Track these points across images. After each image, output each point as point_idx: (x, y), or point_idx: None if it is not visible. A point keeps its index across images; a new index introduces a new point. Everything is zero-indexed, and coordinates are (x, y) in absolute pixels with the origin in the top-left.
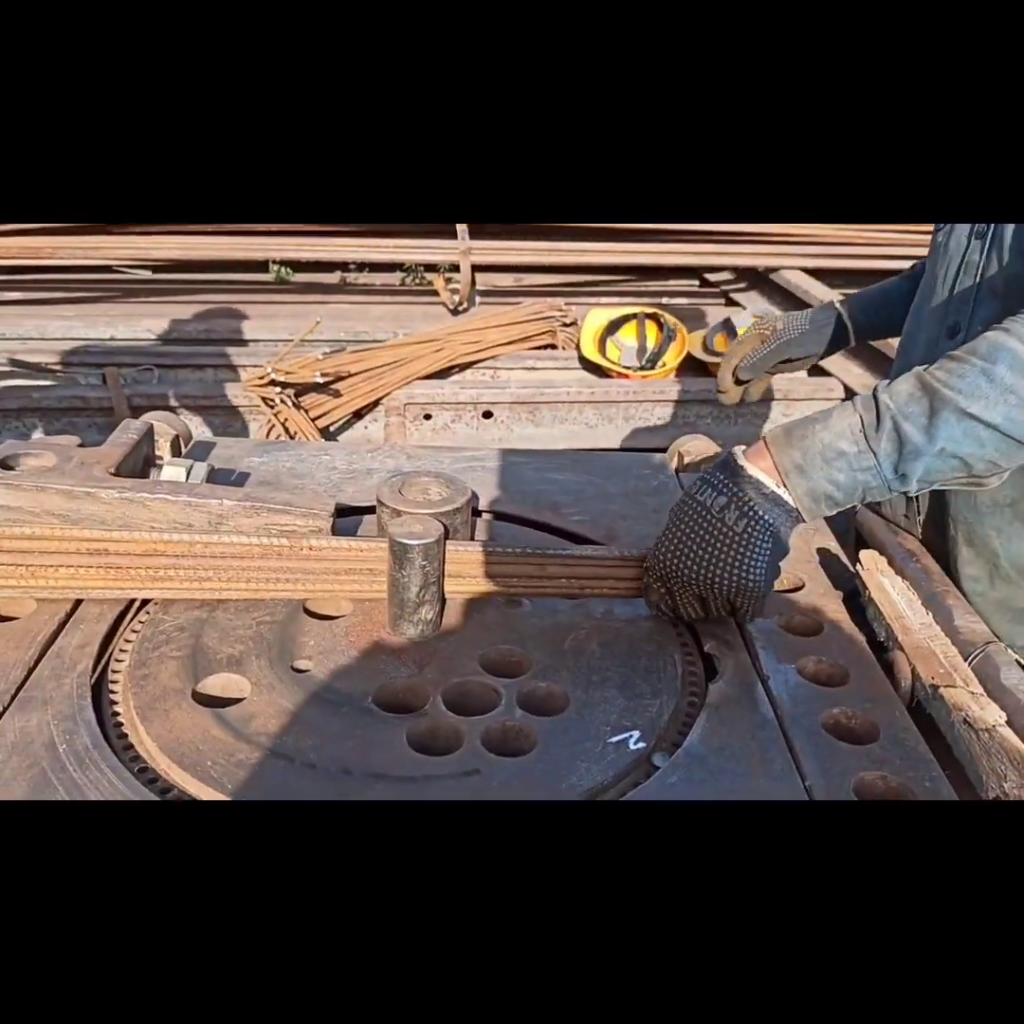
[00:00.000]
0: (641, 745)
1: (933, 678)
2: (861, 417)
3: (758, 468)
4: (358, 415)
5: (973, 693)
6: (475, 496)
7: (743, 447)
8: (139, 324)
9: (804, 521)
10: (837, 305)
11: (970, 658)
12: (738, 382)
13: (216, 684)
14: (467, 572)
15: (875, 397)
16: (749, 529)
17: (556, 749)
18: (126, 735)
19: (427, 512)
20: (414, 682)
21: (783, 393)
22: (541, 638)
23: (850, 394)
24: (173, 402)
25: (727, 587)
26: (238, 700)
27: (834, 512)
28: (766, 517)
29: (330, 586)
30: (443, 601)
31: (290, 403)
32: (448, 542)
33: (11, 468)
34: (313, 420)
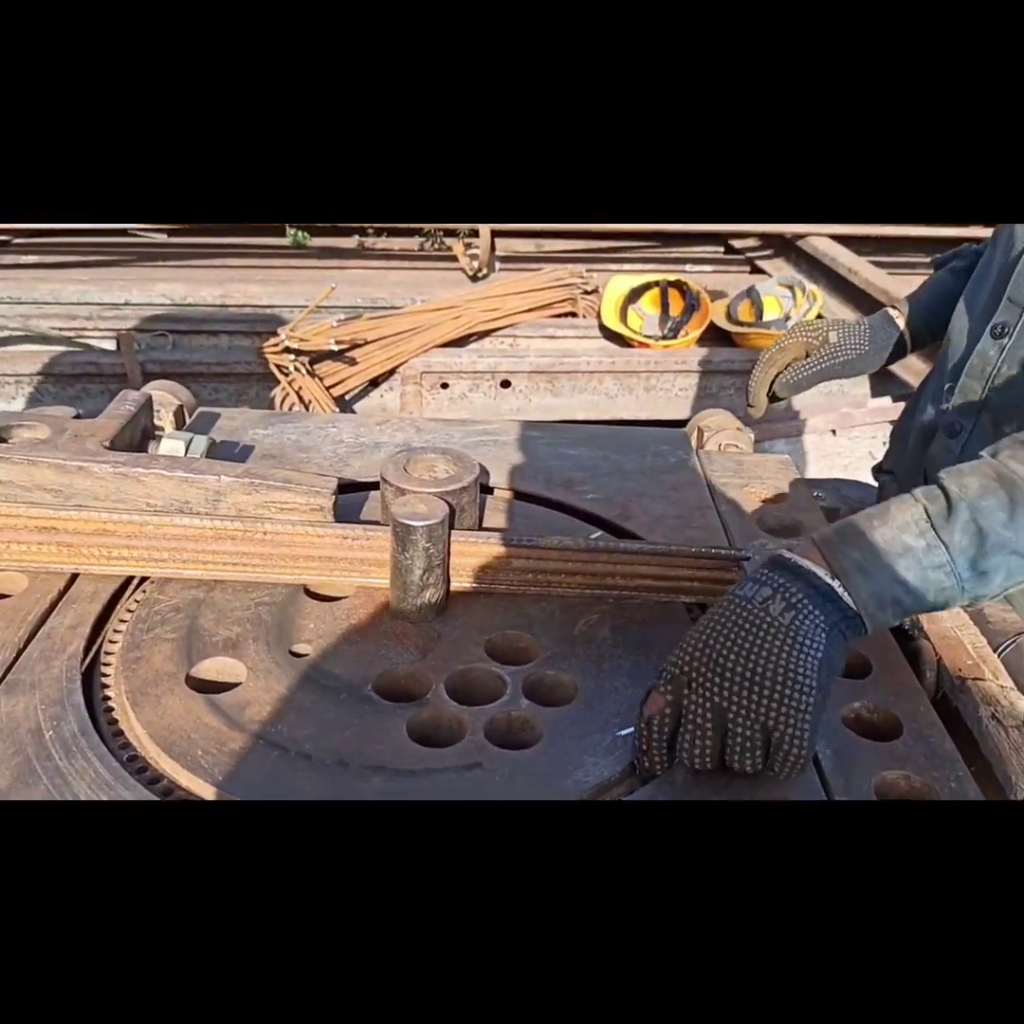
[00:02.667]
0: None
1: (960, 670)
2: (926, 508)
3: (811, 561)
4: (374, 384)
5: (1002, 686)
6: (484, 473)
7: (787, 548)
8: (154, 289)
9: (865, 631)
10: (895, 318)
11: (1000, 649)
12: (773, 398)
13: (211, 668)
14: (473, 565)
15: (941, 487)
16: (796, 621)
17: (562, 742)
18: (116, 721)
19: (432, 491)
20: (416, 669)
21: None
22: (550, 622)
23: None
24: (187, 369)
25: (765, 693)
26: (234, 685)
27: (896, 621)
28: (817, 612)
29: (331, 572)
30: (448, 583)
31: (305, 371)
32: (454, 532)
33: (3, 440)
34: (328, 389)
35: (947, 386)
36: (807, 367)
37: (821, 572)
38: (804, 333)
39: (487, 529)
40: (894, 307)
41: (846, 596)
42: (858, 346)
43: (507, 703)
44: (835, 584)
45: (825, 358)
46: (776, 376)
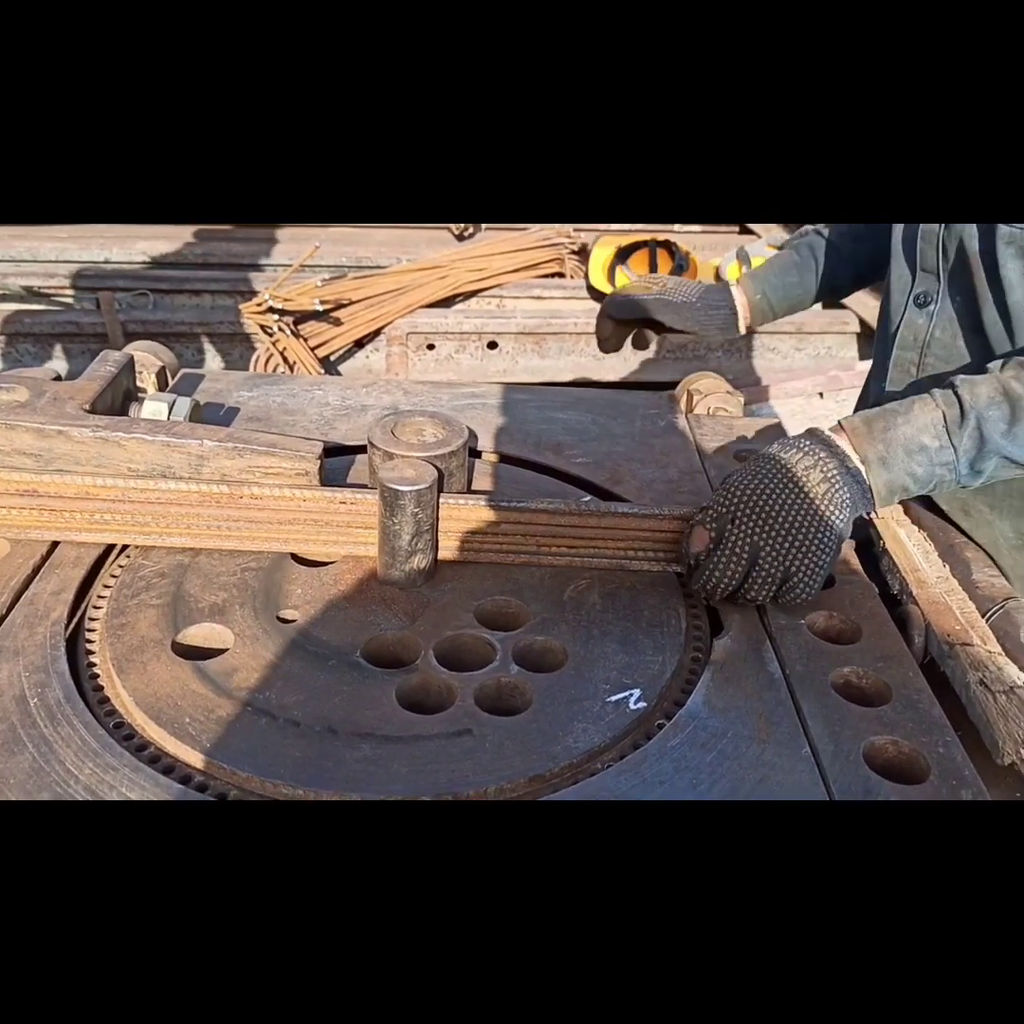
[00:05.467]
0: (641, 705)
1: (948, 635)
2: (944, 414)
3: (842, 443)
4: (359, 344)
5: (990, 652)
6: (473, 436)
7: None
8: (134, 247)
9: (873, 511)
10: (732, 288)
11: (988, 614)
12: (613, 323)
13: (198, 635)
14: (462, 529)
15: (956, 394)
16: (830, 492)
17: (552, 708)
18: (101, 688)
19: (420, 455)
20: (405, 635)
21: (797, 326)
22: (540, 588)
23: (865, 328)
24: (169, 329)
25: (795, 541)
26: (220, 652)
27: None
28: (845, 488)
29: (318, 537)
30: (436, 549)
31: (288, 331)
32: (443, 494)
33: None
34: (312, 349)
35: (882, 362)
36: (636, 296)
37: (852, 455)
38: (647, 281)
39: (476, 493)
40: (737, 281)
41: (866, 480)
42: (684, 295)
43: (496, 669)
44: (862, 467)
45: (652, 290)
46: (607, 299)
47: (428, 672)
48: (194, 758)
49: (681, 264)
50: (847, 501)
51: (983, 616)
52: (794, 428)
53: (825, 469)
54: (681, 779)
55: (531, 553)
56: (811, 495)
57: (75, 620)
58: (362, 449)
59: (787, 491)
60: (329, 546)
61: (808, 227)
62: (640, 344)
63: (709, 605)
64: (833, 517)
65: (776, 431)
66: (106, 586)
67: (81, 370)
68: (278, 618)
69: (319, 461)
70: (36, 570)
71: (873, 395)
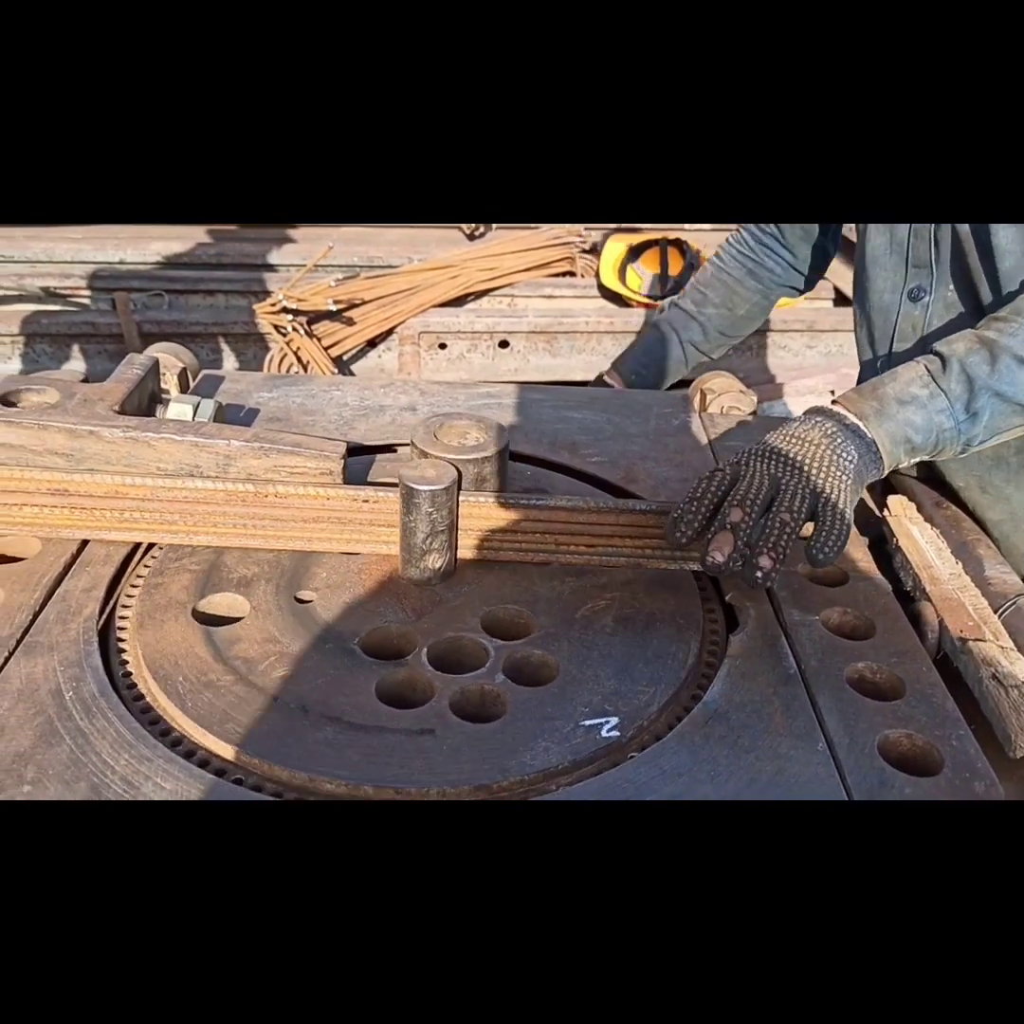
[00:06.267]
0: (615, 734)
1: (961, 631)
2: (926, 366)
3: (838, 407)
4: (372, 344)
5: (1003, 647)
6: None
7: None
8: (148, 247)
9: (882, 466)
10: (605, 377)
11: (1001, 610)
12: None
13: (221, 603)
14: (481, 527)
15: (935, 351)
16: (831, 444)
17: (523, 722)
18: (135, 685)
19: (452, 457)
20: (407, 630)
21: (808, 324)
22: (556, 602)
23: None
24: (183, 329)
25: (813, 470)
26: (235, 621)
27: (911, 462)
28: (847, 442)
29: (342, 536)
30: (455, 550)
31: (302, 331)
32: (463, 493)
33: (12, 405)
34: (325, 349)
35: (881, 361)
36: None
37: (847, 413)
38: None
39: (497, 493)
40: (608, 370)
41: (867, 433)
42: None
43: (482, 676)
44: (860, 422)
45: None
46: None
47: (417, 669)
48: (174, 713)
49: (692, 262)
50: (852, 451)
51: (996, 612)
52: None
53: (823, 427)
54: (699, 771)
55: (550, 552)
56: (817, 442)
57: (106, 616)
58: (382, 449)
59: (793, 442)
60: (352, 545)
61: (665, 302)
62: None
63: (725, 602)
64: (843, 454)
65: None
66: (133, 586)
67: (98, 370)
68: (295, 598)
69: (342, 461)
70: (67, 568)
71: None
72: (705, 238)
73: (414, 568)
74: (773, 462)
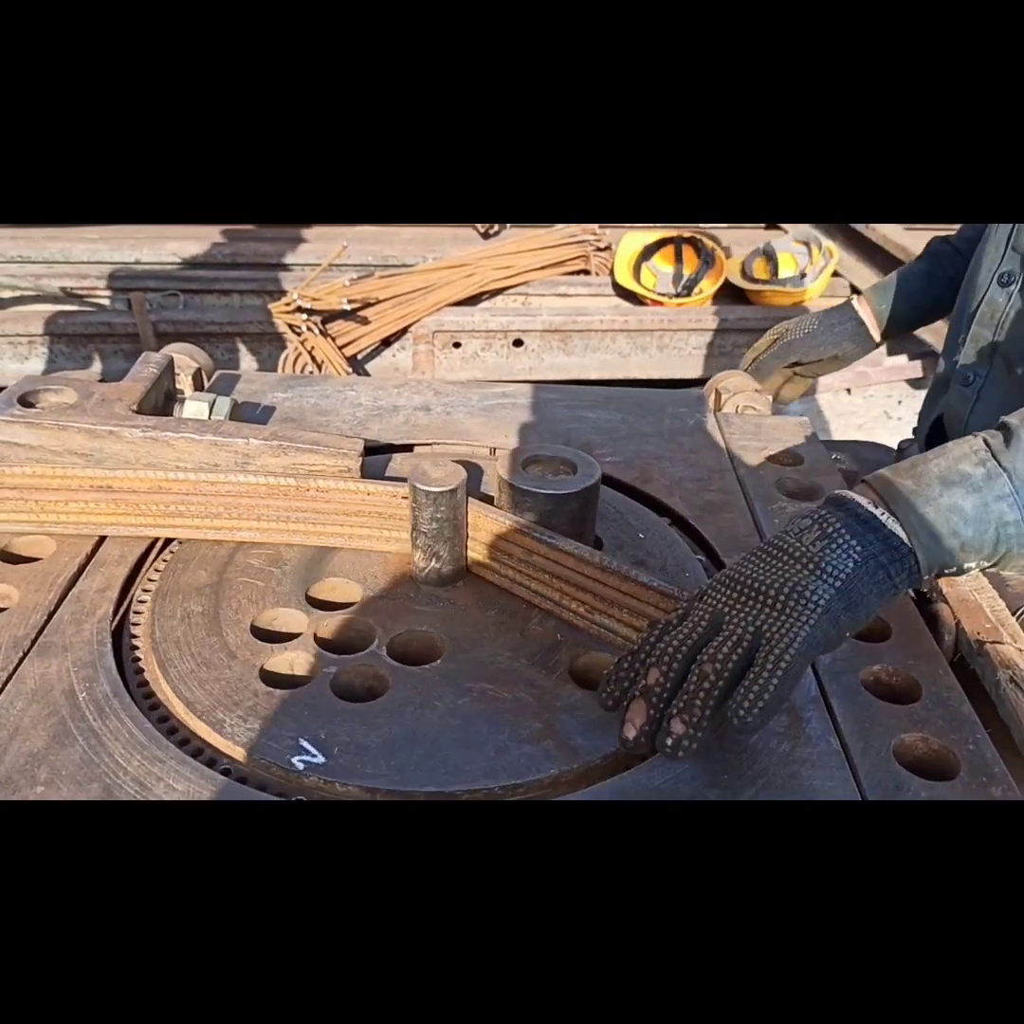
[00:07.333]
0: (319, 761)
1: (978, 633)
2: (986, 440)
3: (858, 493)
4: (386, 343)
5: (1021, 649)
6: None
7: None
8: (164, 247)
9: (918, 568)
10: (854, 301)
11: (1019, 613)
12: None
13: (263, 621)
14: (486, 542)
15: (1002, 424)
16: (826, 550)
17: (294, 710)
18: (146, 683)
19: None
20: (358, 621)
21: None
22: (537, 653)
23: None
24: (199, 329)
25: (767, 606)
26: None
27: (964, 567)
28: (853, 541)
29: (380, 534)
30: (461, 559)
31: (317, 330)
32: (472, 503)
33: (31, 405)
34: (340, 348)
35: (960, 338)
36: (769, 351)
37: (865, 501)
38: (778, 327)
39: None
40: (858, 295)
41: (892, 524)
42: (807, 326)
43: (362, 660)
44: (878, 511)
45: (774, 340)
46: (747, 367)
47: (307, 648)
48: (151, 659)
49: (707, 260)
50: (854, 556)
51: (1013, 614)
52: (822, 425)
53: (824, 525)
54: (712, 774)
55: (554, 603)
56: (797, 558)
57: (119, 616)
58: (397, 448)
59: (769, 562)
60: (391, 543)
61: (936, 236)
62: (790, 395)
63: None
64: (822, 577)
65: (804, 429)
66: (146, 590)
67: (114, 370)
68: (308, 593)
69: (360, 458)
70: (82, 568)
71: (945, 370)
72: (720, 236)
73: (419, 566)
74: (728, 592)
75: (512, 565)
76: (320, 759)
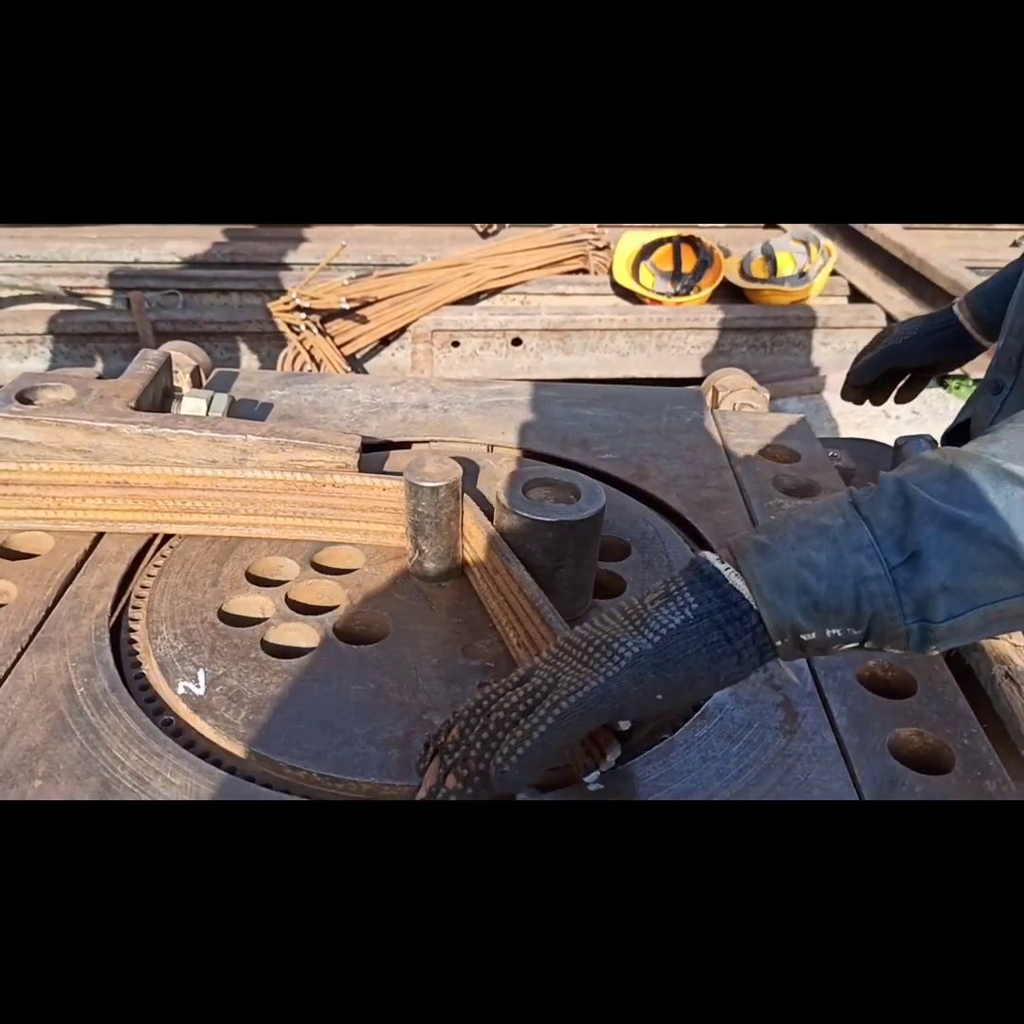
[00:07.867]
0: (198, 693)
1: None
2: (851, 491)
3: (713, 552)
4: (385, 342)
5: (1016, 645)
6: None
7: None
8: (163, 247)
9: (764, 634)
10: (955, 307)
11: None
12: (858, 391)
13: (262, 567)
14: (474, 547)
15: (882, 474)
16: (658, 606)
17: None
18: (144, 675)
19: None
20: (335, 590)
21: (822, 321)
22: (497, 669)
23: (891, 320)
24: (198, 328)
25: (565, 663)
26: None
27: (826, 635)
28: (691, 598)
29: (398, 529)
30: (453, 558)
31: (315, 329)
32: (469, 509)
33: (30, 402)
34: (339, 347)
35: (998, 346)
36: (863, 352)
37: (714, 558)
38: (882, 331)
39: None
40: (963, 299)
41: (735, 579)
42: (908, 332)
43: (308, 621)
44: (723, 567)
45: (878, 344)
46: (852, 369)
47: (275, 598)
48: (141, 621)
49: (705, 259)
50: (687, 610)
51: None
52: (820, 422)
53: (670, 584)
54: (708, 768)
55: (502, 626)
56: (630, 612)
57: (117, 612)
58: (394, 445)
59: (606, 619)
60: (404, 538)
61: None
62: (904, 397)
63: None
64: (631, 635)
65: (801, 426)
66: (144, 585)
67: (113, 369)
68: (312, 562)
69: (357, 455)
70: (80, 564)
71: (987, 375)
72: (719, 235)
73: (412, 560)
74: (555, 649)
75: (486, 577)
76: (199, 692)
